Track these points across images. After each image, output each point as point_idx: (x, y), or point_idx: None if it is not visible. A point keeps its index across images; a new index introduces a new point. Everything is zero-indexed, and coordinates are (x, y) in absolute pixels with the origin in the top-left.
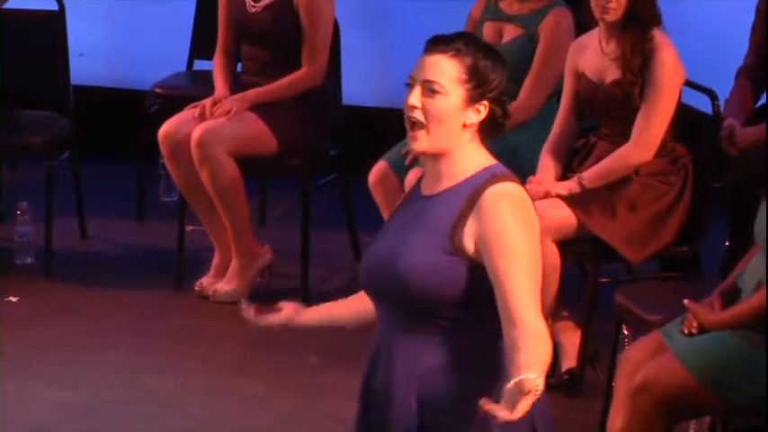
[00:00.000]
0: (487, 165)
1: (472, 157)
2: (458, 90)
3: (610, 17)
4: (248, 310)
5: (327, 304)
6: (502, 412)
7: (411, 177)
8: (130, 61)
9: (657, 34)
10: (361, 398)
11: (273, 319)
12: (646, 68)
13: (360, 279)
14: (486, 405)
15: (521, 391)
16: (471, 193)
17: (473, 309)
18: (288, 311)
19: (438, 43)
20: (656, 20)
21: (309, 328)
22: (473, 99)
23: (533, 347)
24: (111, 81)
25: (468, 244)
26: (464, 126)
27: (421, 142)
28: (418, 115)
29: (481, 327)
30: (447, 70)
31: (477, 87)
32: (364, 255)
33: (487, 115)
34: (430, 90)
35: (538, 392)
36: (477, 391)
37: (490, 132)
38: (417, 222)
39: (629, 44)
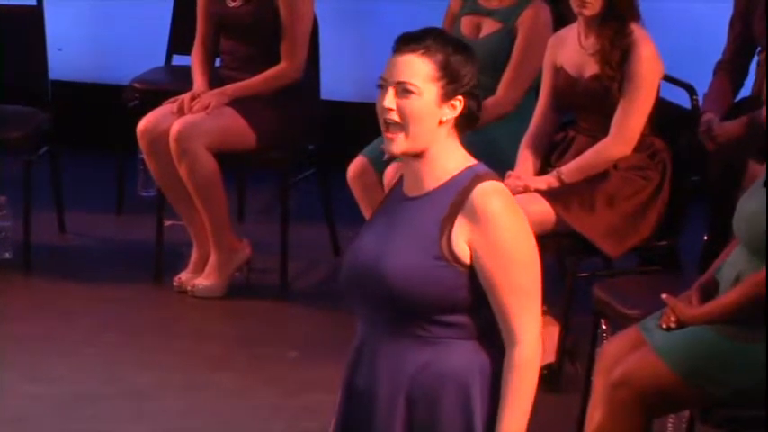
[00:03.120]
0: (469, 164)
1: (452, 156)
2: (431, 88)
3: (588, 11)
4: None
5: None
6: None
7: (390, 173)
8: (109, 56)
9: (636, 29)
10: (343, 394)
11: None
12: (624, 63)
13: (341, 279)
14: None
15: None
16: (457, 195)
17: (460, 311)
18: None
19: (408, 42)
20: (634, 14)
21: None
22: (447, 95)
23: (522, 389)
24: (89, 76)
25: (459, 247)
26: (440, 123)
27: (399, 144)
28: (394, 117)
29: (468, 328)
30: (419, 69)
31: (451, 83)
32: (346, 255)
33: (463, 110)
34: (404, 91)
35: None
36: (466, 391)
37: (467, 126)
38: (403, 226)
39: (608, 39)
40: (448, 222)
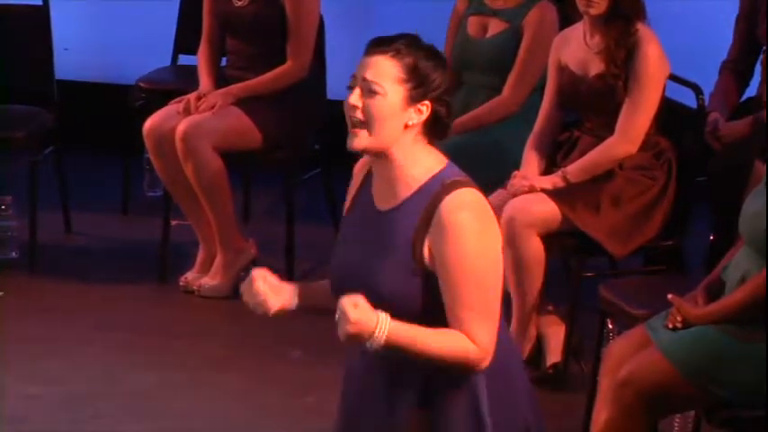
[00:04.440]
0: (436, 171)
1: (420, 162)
2: (397, 90)
3: (594, 11)
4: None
5: (317, 285)
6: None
7: (359, 167)
8: (115, 56)
9: (642, 28)
10: (344, 396)
11: (276, 307)
12: (630, 62)
13: (333, 287)
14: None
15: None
16: (425, 209)
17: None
18: (289, 301)
19: (379, 44)
20: (640, 13)
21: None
22: (413, 99)
23: (446, 339)
24: (95, 75)
25: (428, 259)
26: (406, 126)
27: (361, 139)
28: (359, 115)
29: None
30: (386, 70)
31: (418, 87)
32: (332, 264)
33: (430, 115)
34: (369, 90)
35: (353, 331)
36: (473, 389)
37: (436, 133)
38: (380, 242)
39: (614, 38)
40: (420, 236)
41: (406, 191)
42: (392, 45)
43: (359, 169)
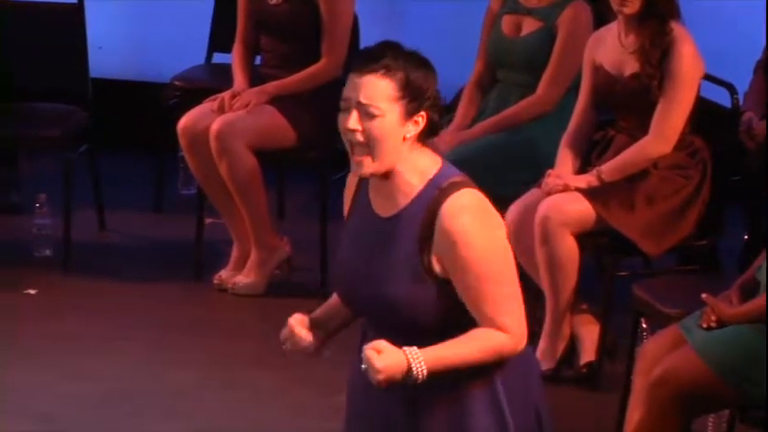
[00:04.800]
0: (431, 175)
1: (416, 168)
2: (394, 108)
3: (628, 10)
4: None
5: (326, 312)
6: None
7: (352, 179)
8: (149, 54)
9: (676, 27)
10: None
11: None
12: (665, 61)
13: (340, 296)
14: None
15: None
16: (424, 218)
17: (453, 327)
18: (314, 340)
19: (367, 62)
20: (674, 12)
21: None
22: (410, 113)
23: (474, 342)
24: (129, 74)
25: (437, 267)
26: (404, 139)
27: (367, 167)
28: (359, 137)
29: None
30: (380, 90)
31: (413, 101)
32: (336, 272)
33: (426, 124)
34: (366, 113)
35: (383, 378)
36: (491, 383)
37: (428, 136)
38: (383, 250)
39: (648, 37)
40: (425, 245)
41: (403, 199)
42: (380, 62)
43: (350, 185)
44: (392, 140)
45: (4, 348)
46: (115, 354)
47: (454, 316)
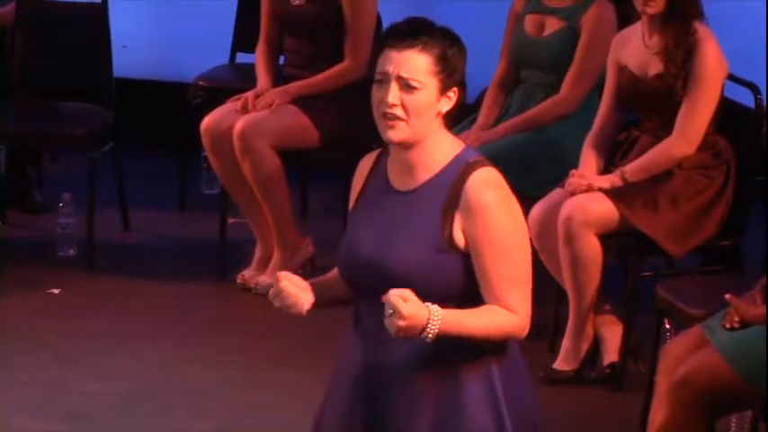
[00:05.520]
0: (457, 152)
1: (440, 145)
2: (432, 82)
3: (651, 10)
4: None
5: (324, 282)
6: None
7: (364, 165)
8: (173, 53)
9: (700, 27)
10: (350, 372)
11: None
12: (689, 61)
13: (342, 275)
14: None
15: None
16: (452, 187)
17: (467, 297)
18: (304, 300)
19: (404, 38)
20: (698, 12)
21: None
22: (445, 88)
23: (491, 316)
24: (153, 73)
25: (459, 238)
26: (438, 114)
27: (400, 132)
28: (399, 112)
29: None
30: (419, 64)
31: (449, 76)
32: (342, 250)
33: (456, 101)
34: (407, 86)
35: (405, 325)
36: (486, 369)
37: (455, 116)
38: (401, 221)
39: (672, 37)
40: (448, 215)
41: (426, 173)
42: (419, 38)
43: (364, 164)
44: (429, 114)
45: (28, 348)
46: (139, 352)
47: (469, 290)
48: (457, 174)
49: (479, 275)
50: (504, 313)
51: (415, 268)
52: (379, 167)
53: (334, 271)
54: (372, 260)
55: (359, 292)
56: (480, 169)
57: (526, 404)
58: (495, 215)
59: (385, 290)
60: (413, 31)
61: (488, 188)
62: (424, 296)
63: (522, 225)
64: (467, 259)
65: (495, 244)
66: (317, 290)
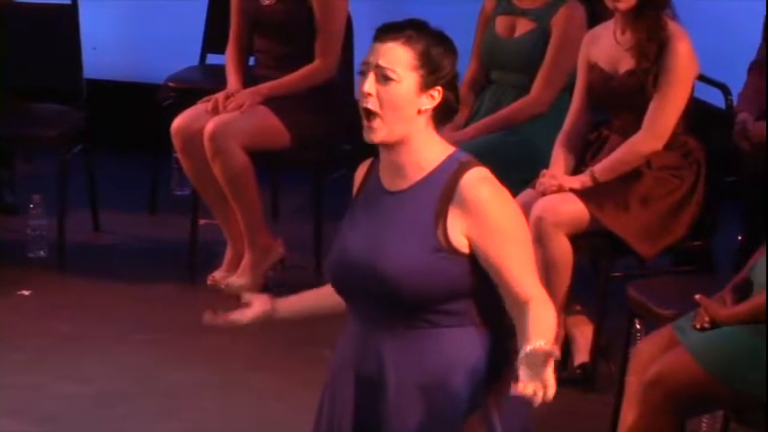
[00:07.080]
0: (449, 152)
1: (431, 146)
2: (411, 76)
3: (623, 5)
4: (213, 319)
5: (301, 295)
6: (531, 389)
7: (360, 171)
8: (143, 55)
9: (673, 25)
10: (345, 381)
11: (247, 316)
12: (660, 57)
13: (331, 279)
14: (517, 389)
15: (537, 363)
16: (445, 185)
17: (460, 299)
18: (261, 307)
19: (389, 31)
20: (666, 3)
21: (285, 319)
22: (426, 85)
23: (542, 315)
24: (123, 74)
25: (456, 237)
26: (419, 112)
27: (378, 132)
28: (373, 104)
29: (469, 314)
30: (400, 57)
31: (430, 73)
32: (333, 254)
33: (441, 101)
34: (383, 77)
35: (554, 357)
36: (475, 376)
37: (444, 117)
38: (393, 222)
39: (645, 31)
40: (441, 214)
41: (417, 173)
42: (403, 32)
43: (360, 170)
44: (406, 109)
45: None
46: (111, 354)
47: (460, 289)
48: (450, 172)
49: (491, 268)
50: (543, 307)
51: (409, 269)
52: (373, 172)
53: (320, 288)
54: (363, 260)
55: (348, 296)
56: (474, 168)
57: (519, 417)
58: (494, 206)
59: (374, 292)
60: (401, 26)
61: (484, 184)
62: (415, 296)
63: (521, 214)
64: (462, 260)
65: (500, 232)
66: (289, 302)
